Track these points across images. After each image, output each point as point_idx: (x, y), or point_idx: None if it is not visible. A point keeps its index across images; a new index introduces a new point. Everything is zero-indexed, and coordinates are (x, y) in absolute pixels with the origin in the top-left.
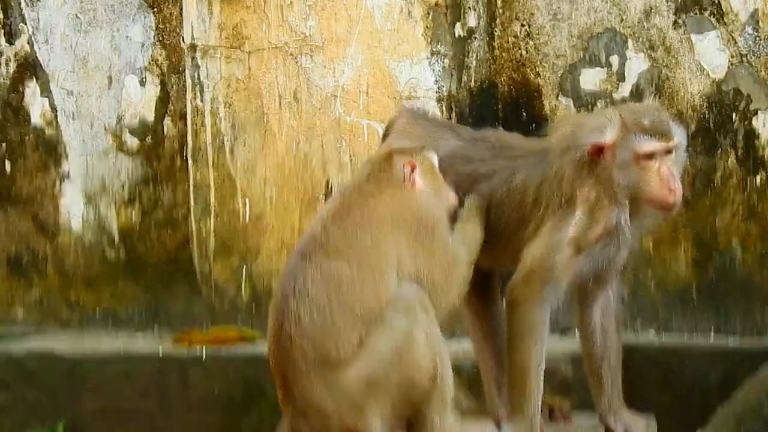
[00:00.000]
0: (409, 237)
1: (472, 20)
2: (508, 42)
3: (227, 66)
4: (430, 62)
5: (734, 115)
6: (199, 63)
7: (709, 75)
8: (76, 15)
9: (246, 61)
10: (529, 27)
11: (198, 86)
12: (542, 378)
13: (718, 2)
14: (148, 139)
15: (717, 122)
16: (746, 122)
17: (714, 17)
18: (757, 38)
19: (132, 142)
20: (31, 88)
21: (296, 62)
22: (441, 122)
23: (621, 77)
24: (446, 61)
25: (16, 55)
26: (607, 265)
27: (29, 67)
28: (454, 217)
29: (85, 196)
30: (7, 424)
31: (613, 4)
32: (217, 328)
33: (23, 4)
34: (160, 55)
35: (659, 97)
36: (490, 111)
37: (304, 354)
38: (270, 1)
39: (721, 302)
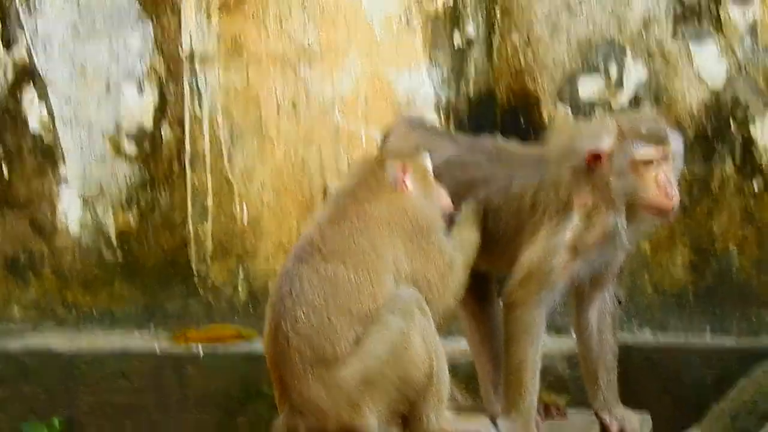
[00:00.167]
0: (405, 240)
1: (471, 30)
2: (507, 51)
3: (225, 75)
4: (428, 72)
5: (732, 123)
6: (198, 72)
7: (707, 85)
8: (74, 23)
9: (244, 70)
10: (528, 36)
11: (196, 94)
12: (538, 377)
13: (717, 13)
14: (146, 145)
15: (715, 130)
16: (744, 130)
17: (713, 27)
18: (756, 48)
19: (130, 148)
20: (29, 95)
21: (295, 72)
22: (438, 131)
23: (619, 86)
24: (445, 70)
25: (14, 62)
26: (604, 268)
27: (27, 75)
28: (451, 223)
29: (82, 199)
30: (4, 420)
31: (612, 14)
32: (214, 326)
33: (21, 12)
34: (159, 63)
35: (657, 106)
36: (488, 120)
37: (301, 353)
38: (269, 11)
39: (718, 305)
